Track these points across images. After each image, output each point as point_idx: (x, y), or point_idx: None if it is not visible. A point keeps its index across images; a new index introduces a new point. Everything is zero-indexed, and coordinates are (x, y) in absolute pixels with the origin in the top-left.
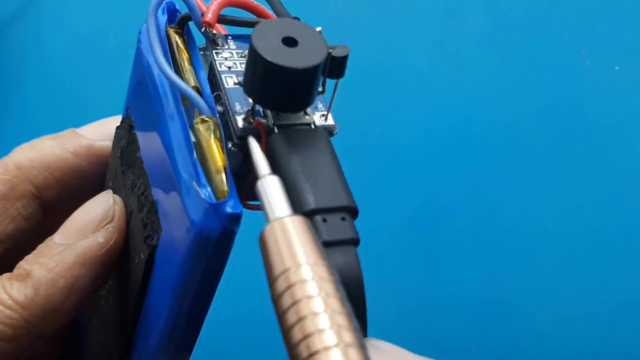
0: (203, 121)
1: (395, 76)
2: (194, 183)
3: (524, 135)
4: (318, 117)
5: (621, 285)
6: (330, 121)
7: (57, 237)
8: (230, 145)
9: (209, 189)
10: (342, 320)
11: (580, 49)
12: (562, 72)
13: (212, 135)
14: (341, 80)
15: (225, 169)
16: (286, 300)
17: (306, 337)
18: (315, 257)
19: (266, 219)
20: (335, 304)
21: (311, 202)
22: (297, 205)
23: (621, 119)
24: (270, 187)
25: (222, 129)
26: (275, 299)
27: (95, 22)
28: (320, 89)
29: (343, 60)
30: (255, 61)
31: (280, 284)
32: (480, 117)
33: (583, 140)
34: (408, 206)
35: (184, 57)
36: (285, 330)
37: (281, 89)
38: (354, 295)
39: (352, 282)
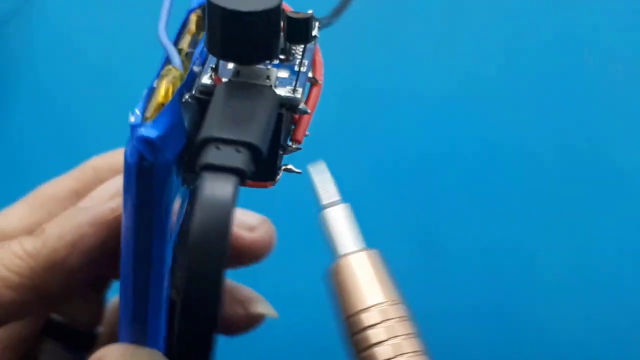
0: (169, 71)
1: (398, 80)
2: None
3: (525, 138)
4: (286, 90)
5: (627, 290)
6: (298, 95)
7: (80, 203)
8: (187, 97)
9: (138, 114)
10: None
11: (581, 49)
12: (561, 73)
13: (168, 81)
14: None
15: (163, 105)
16: (364, 340)
17: None
18: (393, 295)
19: (334, 251)
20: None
21: (213, 131)
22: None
23: (624, 120)
24: (340, 217)
25: (187, 83)
26: (352, 334)
27: (88, 29)
28: (282, 57)
29: (302, 22)
30: (210, 13)
31: (358, 322)
32: (480, 118)
33: (586, 143)
34: (408, 210)
35: (188, 37)
36: None
37: (234, 37)
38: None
39: (217, 218)
